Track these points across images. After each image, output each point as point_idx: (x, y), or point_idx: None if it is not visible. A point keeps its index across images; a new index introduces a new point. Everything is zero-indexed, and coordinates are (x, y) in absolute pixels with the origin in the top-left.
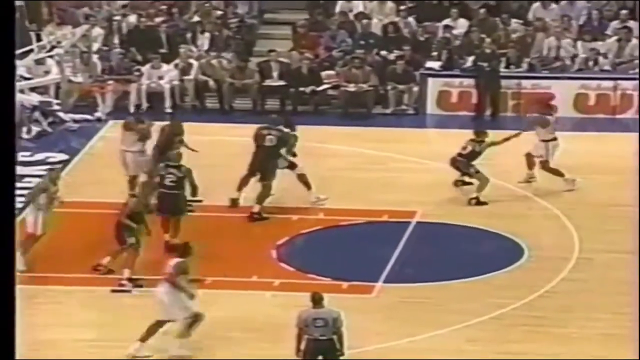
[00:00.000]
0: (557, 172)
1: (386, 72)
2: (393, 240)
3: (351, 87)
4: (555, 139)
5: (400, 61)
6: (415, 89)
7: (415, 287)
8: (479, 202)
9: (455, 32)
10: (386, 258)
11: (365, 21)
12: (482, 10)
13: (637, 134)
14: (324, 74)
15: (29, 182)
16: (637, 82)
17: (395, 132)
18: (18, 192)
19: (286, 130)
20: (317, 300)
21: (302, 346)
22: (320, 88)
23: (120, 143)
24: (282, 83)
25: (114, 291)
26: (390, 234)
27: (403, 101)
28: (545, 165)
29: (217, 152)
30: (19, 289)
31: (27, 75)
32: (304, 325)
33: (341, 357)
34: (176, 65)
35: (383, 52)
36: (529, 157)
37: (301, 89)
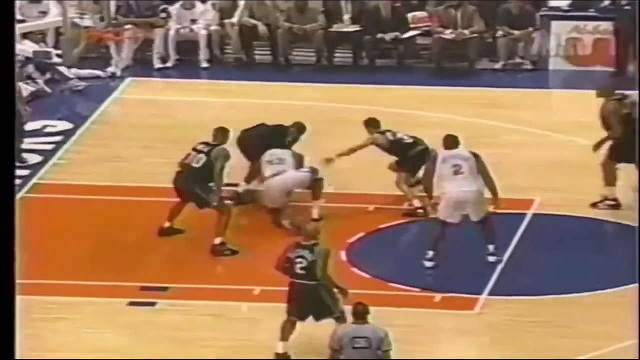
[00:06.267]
0: None
1: (496, 13)
2: (503, 238)
3: (448, 34)
4: None
5: None
6: (535, 36)
7: (532, 302)
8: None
9: None
10: (493, 262)
11: None
12: None
13: None
14: (411, 15)
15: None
16: None
17: (508, 95)
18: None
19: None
20: (360, 314)
21: None
22: (407, 35)
23: None
24: (356, 28)
25: (132, 304)
26: (499, 230)
27: (518, 53)
28: None
29: (271, 120)
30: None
31: (18, 17)
32: (339, 345)
33: None
34: (215, 5)
35: None
36: None
37: (381, 36)
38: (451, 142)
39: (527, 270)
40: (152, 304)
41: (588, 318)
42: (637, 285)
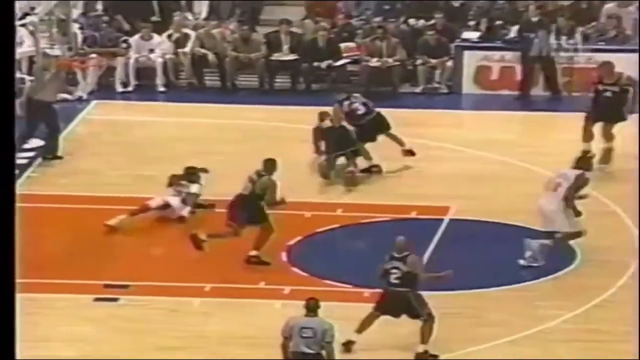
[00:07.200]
0: None
1: (415, 44)
2: (422, 240)
3: (374, 62)
4: None
5: (431, 31)
6: (449, 63)
7: (449, 296)
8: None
9: None
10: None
11: None
12: None
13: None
14: (342, 46)
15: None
16: None
17: (426, 115)
18: None
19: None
20: (311, 308)
21: None
22: (339, 63)
23: None
24: (293, 57)
25: (97, 300)
26: (419, 233)
27: (435, 78)
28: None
29: (219, 137)
30: None
31: None
32: (289, 334)
33: None
34: (170, 36)
35: (411, 21)
36: None
37: (316, 63)
38: (580, 163)
39: (444, 268)
40: (115, 300)
41: (494, 309)
42: None
